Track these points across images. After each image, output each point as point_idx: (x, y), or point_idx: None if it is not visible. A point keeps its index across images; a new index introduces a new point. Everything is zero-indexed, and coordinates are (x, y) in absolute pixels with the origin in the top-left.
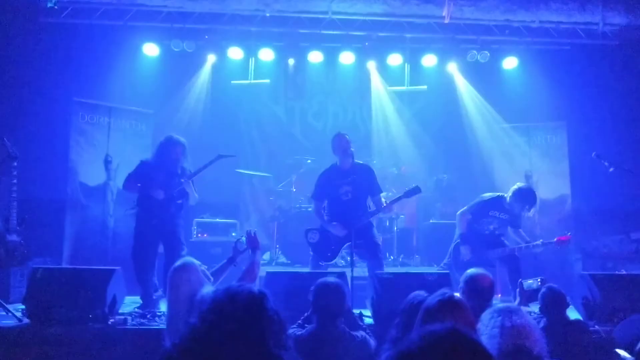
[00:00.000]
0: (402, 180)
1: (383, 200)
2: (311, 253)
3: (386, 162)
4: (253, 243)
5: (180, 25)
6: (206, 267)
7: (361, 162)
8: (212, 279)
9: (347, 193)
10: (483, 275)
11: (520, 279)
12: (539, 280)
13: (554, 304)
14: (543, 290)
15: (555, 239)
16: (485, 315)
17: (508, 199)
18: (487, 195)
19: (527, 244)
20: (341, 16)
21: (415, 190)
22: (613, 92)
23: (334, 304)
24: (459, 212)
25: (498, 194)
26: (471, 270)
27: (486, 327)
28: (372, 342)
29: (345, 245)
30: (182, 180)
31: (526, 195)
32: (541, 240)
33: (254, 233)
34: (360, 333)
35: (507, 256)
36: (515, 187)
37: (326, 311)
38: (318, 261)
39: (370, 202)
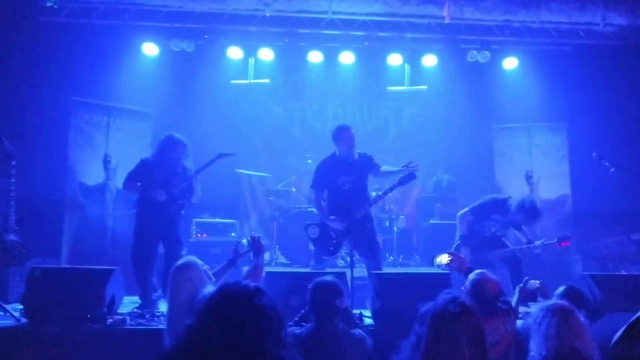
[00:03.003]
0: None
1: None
2: (312, 248)
3: (386, 163)
4: (257, 247)
5: (179, 25)
6: (208, 267)
7: (360, 152)
8: (213, 279)
9: (345, 183)
10: (492, 281)
11: (526, 277)
12: (537, 282)
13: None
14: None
15: (555, 240)
16: (537, 313)
17: (512, 208)
18: (490, 197)
19: (528, 245)
20: (341, 16)
21: (410, 176)
22: (614, 92)
23: (331, 302)
24: (460, 213)
25: (501, 196)
26: (480, 274)
27: (539, 325)
28: (369, 340)
29: (346, 239)
30: (192, 174)
31: (529, 211)
32: (542, 240)
33: (258, 237)
34: (358, 331)
35: (508, 257)
36: (521, 199)
37: (324, 310)
38: (321, 255)
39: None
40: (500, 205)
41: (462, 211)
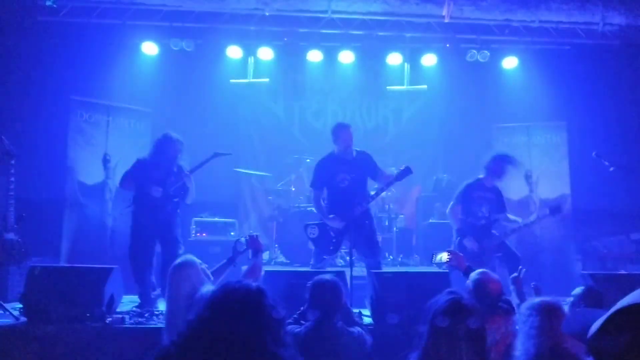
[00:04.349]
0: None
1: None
2: (312, 247)
3: (386, 162)
4: (255, 246)
5: (179, 24)
6: (206, 265)
7: (358, 149)
8: (212, 277)
9: (344, 180)
10: (494, 281)
11: (521, 267)
12: (521, 272)
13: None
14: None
15: (547, 212)
16: (524, 311)
17: (483, 174)
18: (464, 182)
19: (525, 222)
20: (340, 15)
21: (406, 172)
22: (613, 91)
23: (331, 300)
24: (448, 209)
25: (476, 177)
26: (482, 274)
27: (524, 324)
28: (369, 338)
29: (346, 237)
30: (187, 173)
31: (500, 158)
32: (535, 214)
33: (256, 236)
34: (357, 329)
35: (507, 256)
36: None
37: (323, 308)
38: (321, 255)
39: (371, 189)
40: (477, 182)
41: (450, 205)
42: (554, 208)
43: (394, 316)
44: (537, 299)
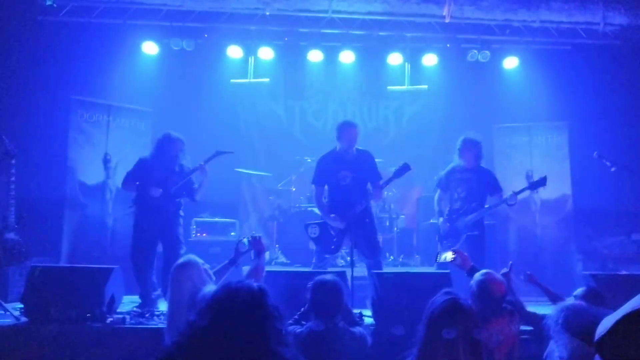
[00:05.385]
0: (402, 180)
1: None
2: (313, 247)
3: (386, 162)
4: (258, 247)
5: (179, 24)
6: (209, 265)
7: (361, 148)
8: (214, 278)
9: (345, 177)
10: (498, 282)
11: (511, 262)
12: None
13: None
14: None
15: (527, 185)
16: (558, 314)
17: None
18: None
19: (498, 202)
20: (341, 15)
21: (404, 168)
22: (614, 91)
23: (332, 301)
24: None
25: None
26: (486, 274)
27: (563, 326)
28: (369, 337)
29: (347, 236)
30: (201, 164)
31: (469, 142)
32: (510, 192)
33: (259, 237)
34: (358, 329)
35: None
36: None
37: (324, 308)
38: (323, 254)
39: (370, 188)
40: (454, 167)
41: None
42: (537, 182)
43: (400, 328)
44: (567, 302)
